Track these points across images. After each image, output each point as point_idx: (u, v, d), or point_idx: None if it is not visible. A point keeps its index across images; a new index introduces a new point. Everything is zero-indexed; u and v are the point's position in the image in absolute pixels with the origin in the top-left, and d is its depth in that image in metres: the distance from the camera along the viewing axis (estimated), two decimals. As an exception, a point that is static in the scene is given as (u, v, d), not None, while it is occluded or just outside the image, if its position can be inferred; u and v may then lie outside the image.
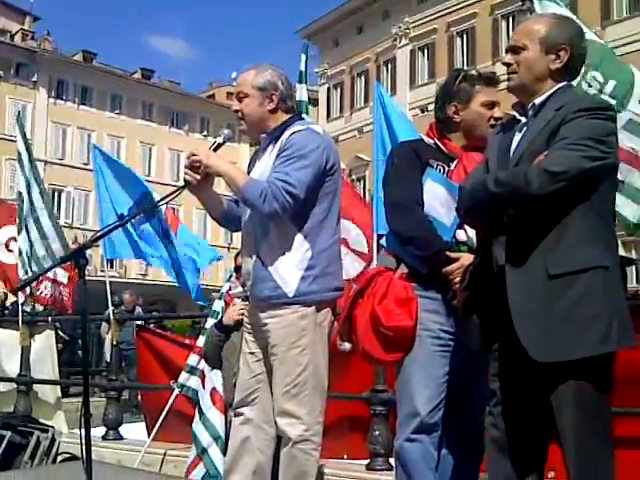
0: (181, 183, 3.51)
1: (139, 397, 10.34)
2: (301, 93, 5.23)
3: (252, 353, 3.59)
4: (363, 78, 38.18)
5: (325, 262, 3.44)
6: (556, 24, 2.90)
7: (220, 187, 3.65)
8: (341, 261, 3.64)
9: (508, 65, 2.92)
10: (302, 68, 5.24)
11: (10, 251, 8.13)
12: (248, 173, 3.59)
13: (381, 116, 5.61)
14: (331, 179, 3.48)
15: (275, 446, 3.56)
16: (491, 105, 3.37)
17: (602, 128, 2.70)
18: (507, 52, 2.95)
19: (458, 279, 3.11)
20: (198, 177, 3.44)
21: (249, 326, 3.63)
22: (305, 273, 3.39)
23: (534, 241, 2.69)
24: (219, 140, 3.55)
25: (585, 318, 2.62)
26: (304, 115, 5.04)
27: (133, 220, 6.40)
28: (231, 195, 3.63)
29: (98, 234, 3.49)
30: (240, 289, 4.23)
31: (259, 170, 3.53)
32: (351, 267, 5.58)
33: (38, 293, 8.07)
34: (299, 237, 3.41)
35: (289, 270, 3.39)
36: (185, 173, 3.47)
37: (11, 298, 13.44)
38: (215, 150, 3.51)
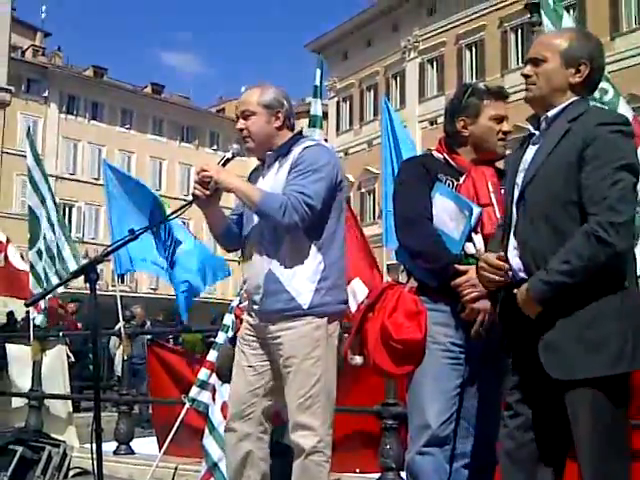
0: (191, 198, 3.53)
1: (151, 411, 10.36)
2: (316, 107, 5.24)
3: (251, 367, 3.61)
4: (372, 91, 38.28)
5: (336, 274, 3.51)
6: (577, 38, 2.90)
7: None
8: (346, 274, 3.70)
9: (527, 76, 2.92)
10: (317, 83, 5.24)
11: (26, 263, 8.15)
12: None
13: (389, 130, 5.62)
14: (339, 194, 3.56)
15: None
16: (500, 119, 3.38)
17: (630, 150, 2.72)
18: (526, 63, 2.95)
19: (466, 292, 3.11)
20: (207, 192, 3.46)
21: (250, 338, 3.64)
22: (318, 285, 3.44)
23: (547, 259, 2.69)
24: (228, 155, 3.59)
25: (597, 338, 2.62)
26: (317, 130, 5.07)
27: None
28: (230, 214, 3.72)
29: (109, 249, 3.51)
30: None
31: (268, 185, 3.54)
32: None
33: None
34: (313, 249, 3.47)
35: (303, 282, 3.43)
36: (195, 188, 3.49)
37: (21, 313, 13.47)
38: (224, 165, 3.54)
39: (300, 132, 3.75)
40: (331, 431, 3.49)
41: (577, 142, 2.71)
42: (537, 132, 2.94)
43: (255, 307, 3.59)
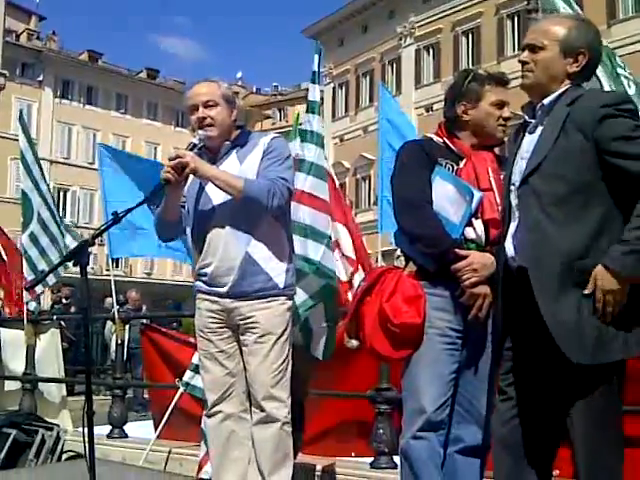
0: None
1: (144, 395, 10.37)
2: (314, 93, 5.22)
3: (222, 351, 3.76)
4: (368, 77, 38.21)
5: (292, 256, 3.86)
6: (576, 27, 2.88)
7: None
8: None
9: (524, 63, 2.90)
10: (315, 68, 5.22)
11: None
12: None
13: (385, 116, 5.60)
14: None
15: None
16: (500, 105, 3.37)
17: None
18: (523, 50, 2.93)
19: (466, 276, 3.11)
20: (180, 178, 3.57)
21: (215, 326, 3.76)
22: (288, 266, 3.75)
23: (561, 245, 2.68)
24: (195, 141, 3.70)
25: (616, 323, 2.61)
26: (316, 116, 5.10)
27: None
28: None
29: (97, 232, 3.51)
30: None
31: (233, 172, 3.67)
32: (343, 271, 5.62)
33: None
34: (283, 232, 3.77)
35: (277, 264, 3.70)
36: (168, 172, 3.54)
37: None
38: (191, 150, 3.64)
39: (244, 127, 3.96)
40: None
41: (583, 125, 2.69)
42: (532, 120, 2.93)
43: (222, 290, 3.69)
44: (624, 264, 2.57)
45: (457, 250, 3.15)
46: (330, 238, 4.85)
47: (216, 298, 3.72)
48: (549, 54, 2.85)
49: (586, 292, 2.62)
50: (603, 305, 2.60)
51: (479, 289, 3.13)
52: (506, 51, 30.70)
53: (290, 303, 3.77)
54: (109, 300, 15.72)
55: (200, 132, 3.71)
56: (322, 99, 40.64)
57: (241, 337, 3.72)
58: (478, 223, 3.24)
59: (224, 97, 3.75)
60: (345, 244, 5.80)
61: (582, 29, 2.90)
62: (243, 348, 3.72)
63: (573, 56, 2.85)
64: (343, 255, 5.77)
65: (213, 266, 3.69)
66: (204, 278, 3.76)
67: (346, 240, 5.80)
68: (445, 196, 3.24)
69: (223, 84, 3.83)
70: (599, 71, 4.47)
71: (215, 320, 3.75)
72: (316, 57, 5.21)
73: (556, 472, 3.33)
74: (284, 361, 3.68)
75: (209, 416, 3.81)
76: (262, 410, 3.65)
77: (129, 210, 3.63)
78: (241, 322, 3.68)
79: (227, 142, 3.79)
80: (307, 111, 5.19)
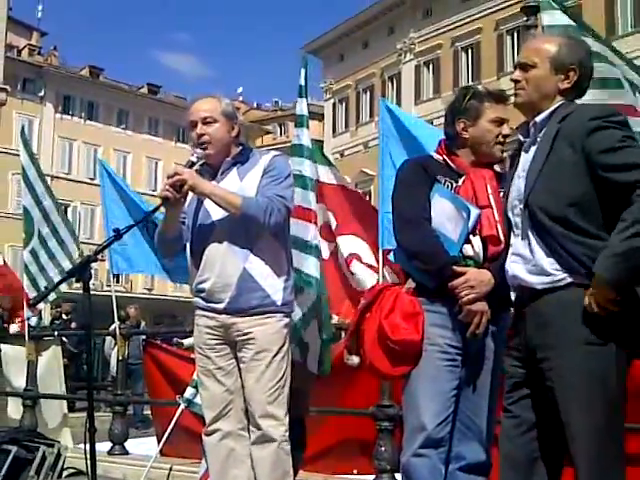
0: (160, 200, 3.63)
1: (145, 412, 10.34)
2: (302, 107, 5.24)
3: (219, 368, 3.74)
4: (368, 93, 38.29)
5: (291, 273, 3.84)
6: (566, 44, 2.91)
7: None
8: None
9: (516, 82, 2.93)
10: (302, 82, 5.25)
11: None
12: None
13: (387, 132, 5.60)
14: None
15: None
16: (500, 122, 3.38)
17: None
18: (515, 68, 2.96)
19: (464, 293, 3.11)
20: (178, 196, 3.56)
21: (213, 342, 3.75)
22: (286, 283, 3.74)
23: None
24: (193, 159, 3.69)
25: None
26: (304, 130, 5.11)
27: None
28: None
29: (99, 248, 3.52)
30: None
31: (234, 189, 3.66)
32: (368, 280, 5.60)
33: None
34: (281, 249, 3.76)
35: (275, 281, 3.69)
36: (167, 190, 3.55)
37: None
38: (190, 168, 3.63)
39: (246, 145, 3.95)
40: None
41: (573, 139, 2.72)
42: (527, 140, 2.95)
43: (220, 306, 3.69)
44: (606, 267, 2.60)
45: (454, 267, 3.16)
46: (317, 247, 4.84)
47: (214, 314, 3.72)
48: (540, 72, 2.88)
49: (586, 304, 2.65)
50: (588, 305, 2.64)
51: (477, 306, 3.14)
52: (506, 67, 30.74)
53: (287, 320, 3.75)
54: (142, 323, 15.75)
55: (197, 150, 3.71)
56: (322, 115, 40.81)
57: (238, 354, 3.71)
58: (476, 240, 3.24)
59: (224, 113, 3.74)
60: (365, 254, 5.79)
61: (572, 46, 2.93)
62: (240, 365, 3.71)
63: (564, 72, 2.88)
64: (365, 264, 5.76)
65: (211, 282, 3.69)
66: (202, 294, 3.76)
67: (365, 250, 5.79)
68: (443, 213, 3.26)
69: (224, 100, 3.82)
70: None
71: (213, 336, 3.74)
72: (302, 71, 5.24)
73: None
74: (281, 378, 3.67)
75: (207, 434, 3.78)
76: (259, 428, 3.64)
77: (130, 227, 3.65)
78: (238, 338, 3.68)
79: (227, 159, 3.78)
80: (296, 125, 5.24)
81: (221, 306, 3.68)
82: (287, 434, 3.64)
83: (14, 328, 8.70)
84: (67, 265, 7.60)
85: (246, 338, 3.66)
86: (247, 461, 3.71)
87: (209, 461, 3.86)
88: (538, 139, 2.88)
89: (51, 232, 7.67)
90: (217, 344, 3.74)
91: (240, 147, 3.84)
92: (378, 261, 5.50)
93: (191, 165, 3.64)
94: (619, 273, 2.60)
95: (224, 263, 3.65)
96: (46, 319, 15.99)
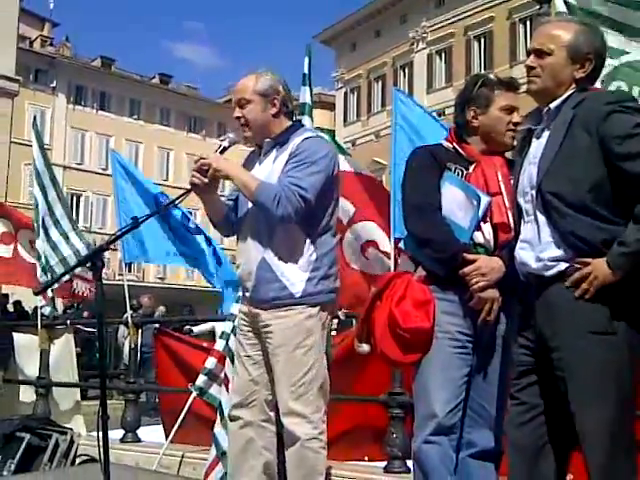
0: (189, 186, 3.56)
1: (157, 399, 10.38)
2: (304, 96, 5.24)
3: (248, 356, 3.65)
4: (380, 82, 38.22)
5: (327, 264, 3.56)
6: (583, 32, 2.88)
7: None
8: (338, 263, 3.74)
9: (531, 68, 2.90)
10: (306, 71, 5.26)
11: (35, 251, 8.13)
12: None
13: (400, 120, 5.58)
14: (334, 186, 3.59)
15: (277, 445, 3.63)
16: (510, 110, 3.37)
17: None
18: (529, 54, 2.93)
19: (475, 280, 3.11)
20: (206, 180, 3.48)
21: (245, 329, 3.68)
22: (311, 274, 3.50)
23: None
24: (224, 144, 3.61)
25: None
26: (307, 118, 5.08)
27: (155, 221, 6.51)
28: (225, 199, 3.74)
29: (114, 237, 3.52)
30: None
31: (264, 173, 3.56)
32: (380, 267, 5.60)
33: (73, 291, 8.17)
34: (306, 240, 3.52)
35: (295, 272, 3.49)
36: (193, 176, 3.50)
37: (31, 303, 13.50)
38: (221, 153, 3.56)
39: (299, 121, 3.80)
40: (325, 418, 3.54)
41: (589, 124, 2.71)
42: (538, 127, 2.93)
43: (247, 294, 3.63)
44: (619, 264, 2.62)
45: (465, 254, 3.16)
46: None
47: (245, 301, 3.69)
48: (556, 59, 2.86)
49: (577, 275, 2.69)
50: (587, 285, 2.67)
51: (488, 293, 3.14)
52: (519, 55, 30.63)
53: (311, 311, 3.50)
54: (162, 308, 15.86)
55: (229, 134, 3.64)
56: (333, 104, 40.71)
57: (264, 347, 3.60)
58: (487, 227, 3.24)
59: (258, 92, 3.56)
60: (383, 242, 5.79)
61: (589, 34, 2.90)
62: (266, 358, 3.60)
63: (580, 62, 2.86)
64: (382, 252, 5.76)
65: (241, 268, 3.65)
66: (238, 278, 3.72)
67: (383, 239, 5.79)
68: (454, 201, 3.25)
69: (262, 76, 3.60)
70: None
71: (245, 323, 3.69)
72: (306, 59, 5.24)
73: (570, 476, 3.33)
74: (306, 373, 3.47)
75: (230, 419, 3.71)
76: (283, 425, 3.52)
77: (149, 215, 3.65)
78: (262, 330, 3.58)
79: (267, 139, 3.63)
80: (298, 114, 5.23)
81: (248, 294, 3.63)
82: (315, 432, 3.46)
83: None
84: (70, 256, 7.66)
85: (266, 331, 3.54)
86: (265, 453, 3.61)
87: (229, 446, 3.80)
88: (551, 125, 2.86)
89: (53, 223, 7.73)
90: (248, 331, 3.66)
91: (289, 123, 3.66)
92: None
93: (222, 150, 3.57)
94: (630, 268, 2.62)
95: (249, 250, 3.58)
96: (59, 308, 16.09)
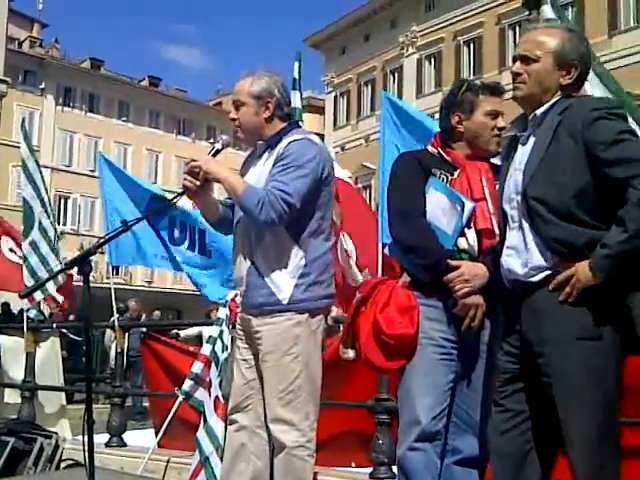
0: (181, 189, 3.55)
1: (144, 404, 10.36)
2: (295, 100, 5.25)
3: (244, 360, 3.63)
4: (370, 86, 38.25)
5: (318, 270, 3.48)
6: (569, 39, 2.89)
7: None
8: (332, 269, 3.67)
9: (517, 74, 2.90)
10: (295, 75, 5.29)
11: (19, 257, 8.09)
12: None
13: (389, 125, 5.59)
14: (326, 189, 3.53)
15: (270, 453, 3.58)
16: (495, 115, 3.37)
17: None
18: (515, 60, 2.94)
19: (458, 287, 3.11)
20: (197, 183, 3.45)
21: (241, 333, 3.66)
22: (299, 281, 3.44)
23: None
24: (217, 146, 3.58)
25: None
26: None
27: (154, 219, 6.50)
28: (224, 199, 3.70)
29: (102, 240, 3.50)
30: None
31: (254, 177, 3.55)
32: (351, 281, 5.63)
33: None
34: (294, 245, 3.45)
35: (283, 278, 3.43)
36: (184, 179, 3.48)
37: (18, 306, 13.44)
38: (214, 156, 3.53)
39: (295, 122, 3.75)
40: (315, 426, 3.50)
41: (574, 130, 2.72)
42: (524, 133, 2.94)
43: (239, 299, 3.63)
44: (602, 266, 2.62)
45: (449, 261, 3.16)
46: None
47: (240, 306, 3.67)
48: (542, 66, 2.86)
49: (560, 277, 2.69)
50: (570, 289, 2.67)
51: (471, 299, 3.14)
52: (508, 61, 30.69)
53: (299, 317, 3.43)
54: (157, 313, 15.83)
55: (223, 137, 3.62)
56: (323, 108, 40.66)
57: (255, 352, 3.57)
58: (471, 233, 3.24)
59: (251, 94, 3.53)
60: (353, 252, 5.81)
61: (575, 41, 2.91)
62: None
63: (566, 68, 2.87)
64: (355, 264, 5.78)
65: (234, 273, 3.63)
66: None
67: (353, 248, 5.81)
68: (438, 206, 3.25)
69: (257, 78, 3.56)
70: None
71: (240, 327, 3.67)
72: (296, 64, 5.25)
73: (556, 482, 3.33)
74: (294, 380, 3.43)
75: (228, 422, 3.70)
76: (269, 432, 3.50)
77: (139, 219, 3.64)
78: (253, 336, 3.54)
79: (260, 142, 3.62)
80: None
81: (240, 300, 3.62)
82: (303, 440, 3.41)
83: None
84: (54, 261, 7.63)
85: (257, 337, 3.51)
86: (255, 460, 3.56)
87: (225, 448, 3.78)
88: (536, 132, 2.87)
89: (50, 224, 7.69)
90: (244, 335, 3.63)
91: (282, 126, 3.59)
92: (377, 256, 5.53)
93: (215, 153, 3.54)
94: (613, 272, 2.62)
95: (240, 255, 3.56)
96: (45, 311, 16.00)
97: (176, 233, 6.85)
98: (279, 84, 3.61)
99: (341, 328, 4.78)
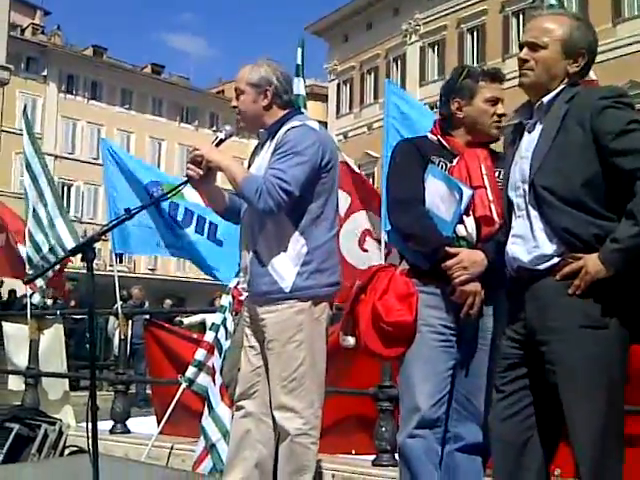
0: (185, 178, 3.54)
1: (147, 391, 10.39)
2: (298, 87, 5.23)
3: (252, 347, 3.64)
4: (373, 74, 38.12)
5: (321, 258, 3.48)
6: (577, 27, 2.87)
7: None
8: (337, 257, 3.67)
9: (524, 61, 2.89)
10: (299, 62, 5.26)
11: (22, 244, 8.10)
12: (248, 168, 3.63)
13: (392, 112, 5.58)
14: (327, 175, 3.51)
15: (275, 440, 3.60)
16: (495, 101, 3.37)
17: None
18: (522, 47, 2.91)
19: (457, 274, 3.12)
20: (200, 172, 3.45)
21: (248, 320, 3.67)
22: (301, 269, 3.44)
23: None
24: (221, 135, 3.58)
25: None
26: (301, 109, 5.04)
27: (146, 212, 6.47)
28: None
29: (106, 227, 3.50)
30: None
31: (256, 165, 3.57)
32: (375, 257, 5.60)
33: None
34: (295, 233, 3.45)
35: (285, 266, 3.43)
36: (188, 168, 3.48)
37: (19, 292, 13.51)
38: (217, 145, 3.53)
39: (296, 109, 3.75)
40: (319, 413, 3.51)
41: (582, 118, 2.71)
42: (529, 121, 2.93)
43: (246, 287, 3.64)
44: (611, 260, 2.61)
45: (448, 248, 3.16)
46: None
47: (247, 294, 3.69)
48: (550, 53, 2.84)
49: (567, 269, 2.68)
50: (579, 281, 2.66)
51: (470, 286, 3.14)
52: (511, 49, 30.59)
53: (302, 305, 3.44)
54: (168, 302, 15.81)
55: (227, 127, 3.62)
56: (326, 96, 40.57)
57: (262, 338, 3.57)
58: (469, 220, 3.25)
59: (250, 83, 3.54)
60: (375, 228, 5.80)
61: (583, 29, 2.89)
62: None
63: (574, 57, 2.85)
64: (375, 239, 5.77)
65: (241, 261, 3.65)
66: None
67: (376, 224, 5.80)
68: (437, 194, 3.26)
69: (255, 68, 3.57)
70: None
71: (247, 314, 3.68)
72: (299, 50, 5.23)
73: (557, 471, 3.34)
74: (297, 368, 3.43)
75: (235, 409, 3.71)
76: (274, 419, 3.50)
77: (143, 207, 3.63)
78: (259, 323, 3.55)
79: (262, 130, 3.61)
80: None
81: (246, 287, 3.63)
82: (306, 427, 3.42)
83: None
84: (56, 247, 7.64)
85: (262, 324, 3.52)
86: (260, 448, 3.57)
87: (231, 434, 3.79)
88: (543, 119, 2.86)
89: (45, 212, 7.71)
90: (251, 322, 3.64)
91: (283, 113, 3.58)
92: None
93: (219, 142, 3.54)
94: (623, 266, 2.62)
95: (244, 244, 3.58)
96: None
97: (179, 216, 6.83)
98: (278, 72, 3.60)
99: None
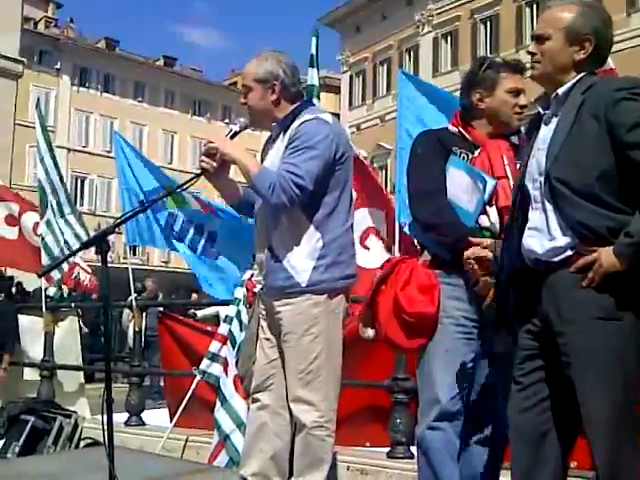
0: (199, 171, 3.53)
1: (161, 383, 10.42)
2: (312, 77, 5.20)
3: (268, 339, 3.64)
4: (386, 66, 38.01)
5: (337, 251, 3.47)
6: (581, 13, 2.83)
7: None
8: (354, 249, 3.65)
9: (532, 54, 2.88)
10: (313, 52, 5.22)
11: (38, 235, 8.13)
12: (261, 162, 3.61)
13: (406, 103, 5.54)
14: (341, 168, 3.50)
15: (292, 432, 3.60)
16: (516, 92, 3.35)
17: None
18: (532, 40, 2.92)
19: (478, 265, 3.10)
20: (214, 164, 3.45)
21: (264, 313, 3.67)
22: (317, 263, 3.43)
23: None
24: (235, 128, 3.58)
25: None
26: (314, 100, 5.01)
27: (155, 207, 6.47)
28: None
29: (120, 220, 3.50)
30: None
31: (270, 159, 3.55)
32: (377, 258, 5.58)
33: (76, 279, 8.17)
34: (310, 227, 3.44)
35: (301, 260, 3.43)
36: (201, 160, 3.48)
37: (31, 285, 13.54)
38: (232, 138, 3.53)
39: (307, 101, 3.75)
40: (335, 406, 3.52)
41: (598, 110, 2.68)
42: (547, 112, 2.90)
43: (262, 281, 3.62)
44: (625, 254, 2.59)
45: (470, 238, 3.14)
46: None
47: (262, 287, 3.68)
48: (554, 44, 2.82)
49: (581, 262, 2.65)
50: (593, 274, 2.64)
51: (492, 278, 3.12)
52: (525, 39, 30.43)
53: (318, 298, 3.43)
54: (195, 296, 15.81)
55: (241, 119, 3.63)
56: (339, 87, 40.47)
57: (278, 331, 3.58)
58: (492, 211, 3.23)
59: (257, 79, 3.52)
60: (382, 228, 5.78)
61: (587, 14, 2.84)
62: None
63: (578, 43, 2.82)
64: (382, 239, 5.74)
65: (257, 255, 3.64)
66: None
67: (381, 223, 5.78)
68: (459, 185, 3.24)
69: (261, 62, 3.55)
70: None
71: (263, 307, 3.68)
72: (313, 40, 5.19)
73: (574, 463, 3.32)
74: (313, 361, 3.44)
75: (251, 401, 3.72)
76: (291, 412, 3.51)
77: (156, 200, 3.63)
78: (275, 317, 3.55)
79: (274, 124, 3.60)
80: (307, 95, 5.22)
81: (262, 282, 3.62)
82: (322, 420, 3.43)
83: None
84: (72, 239, 7.67)
85: (277, 317, 3.52)
86: (276, 440, 3.58)
87: (247, 426, 3.81)
88: (560, 111, 2.84)
89: (57, 205, 7.75)
90: (267, 315, 3.64)
91: (294, 106, 3.57)
92: (393, 234, 5.50)
93: (233, 135, 3.55)
94: (636, 260, 2.59)
95: (260, 238, 3.58)
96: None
97: (176, 227, 6.83)
98: (283, 64, 3.58)
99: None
